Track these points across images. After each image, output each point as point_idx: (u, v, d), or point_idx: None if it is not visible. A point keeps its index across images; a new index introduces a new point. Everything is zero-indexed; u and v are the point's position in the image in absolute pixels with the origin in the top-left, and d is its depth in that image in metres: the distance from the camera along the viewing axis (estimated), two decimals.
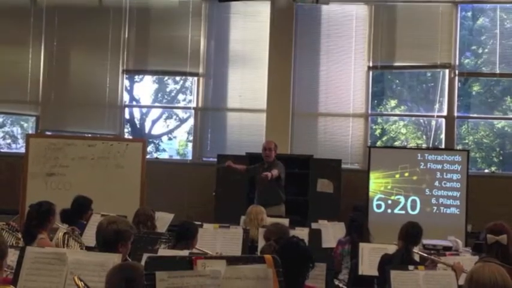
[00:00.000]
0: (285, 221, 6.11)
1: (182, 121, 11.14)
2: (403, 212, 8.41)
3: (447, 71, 9.49)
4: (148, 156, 9.14)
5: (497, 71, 9.50)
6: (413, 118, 10.18)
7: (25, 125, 10.74)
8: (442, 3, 9.48)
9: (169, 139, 11.38)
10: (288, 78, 9.51)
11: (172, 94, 11.11)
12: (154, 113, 11.29)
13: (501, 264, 3.30)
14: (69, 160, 8.00)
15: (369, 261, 5.28)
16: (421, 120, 10.15)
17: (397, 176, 8.52)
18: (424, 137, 10.13)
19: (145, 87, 11.01)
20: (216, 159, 9.16)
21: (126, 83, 10.41)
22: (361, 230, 6.03)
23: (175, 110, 11.15)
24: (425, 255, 5.00)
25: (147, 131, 11.15)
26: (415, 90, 10.08)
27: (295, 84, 9.64)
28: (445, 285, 4.12)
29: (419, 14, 9.54)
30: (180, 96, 11.01)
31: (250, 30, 9.86)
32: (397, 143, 10.26)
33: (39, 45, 10.08)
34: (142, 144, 8.23)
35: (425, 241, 6.33)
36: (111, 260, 3.33)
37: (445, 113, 9.51)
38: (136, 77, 10.71)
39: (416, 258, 4.97)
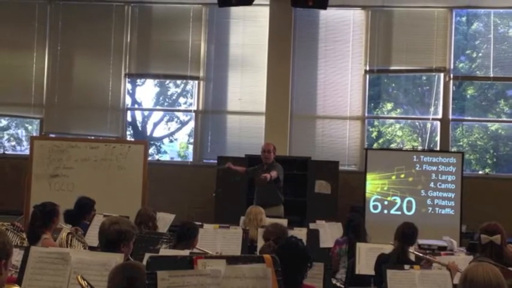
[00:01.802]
0: (284, 222, 6.11)
1: (183, 124, 11.21)
2: (399, 212, 8.45)
3: (442, 74, 9.59)
4: (149, 158, 9.23)
5: (491, 75, 9.59)
6: (409, 121, 10.23)
7: (29, 127, 10.80)
8: (437, 9, 9.58)
9: (171, 141, 11.41)
10: (286, 82, 9.57)
11: (174, 97, 11.16)
12: (156, 115, 11.36)
13: (495, 264, 3.35)
14: (73, 162, 8.04)
15: (365, 260, 5.31)
16: (417, 123, 10.18)
17: (393, 177, 8.56)
18: (419, 139, 10.17)
19: (147, 91, 11.07)
20: (216, 161, 9.21)
21: (128, 86, 10.49)
22: (358, 230, 6.04)
23: (176, 113, 11.20)
24: (421, 255, 5.04)
25: (148, 133, 11.20)
26: (411, 94, 10.12)
27: (293, 88, 9.71)
28: (440, 285, 4.16)
29: (415, 19, 9.64)
30: (181, 100, 11.06)
31: (250, 35, 9.96)
32: (393, 145, 10.30)
33: (43, 49, 10.18)
34: (144, 146, 8.26)
35: (420, 241, 6.39)
36: (113, 259, 3.36)
37: (440, 115, 9.61)
38: (138, 80, 10.78)
39: (412, 257, 5.00)
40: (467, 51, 10.05)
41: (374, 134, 10.44)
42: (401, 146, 10.31)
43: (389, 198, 8.59)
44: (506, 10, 9.71)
